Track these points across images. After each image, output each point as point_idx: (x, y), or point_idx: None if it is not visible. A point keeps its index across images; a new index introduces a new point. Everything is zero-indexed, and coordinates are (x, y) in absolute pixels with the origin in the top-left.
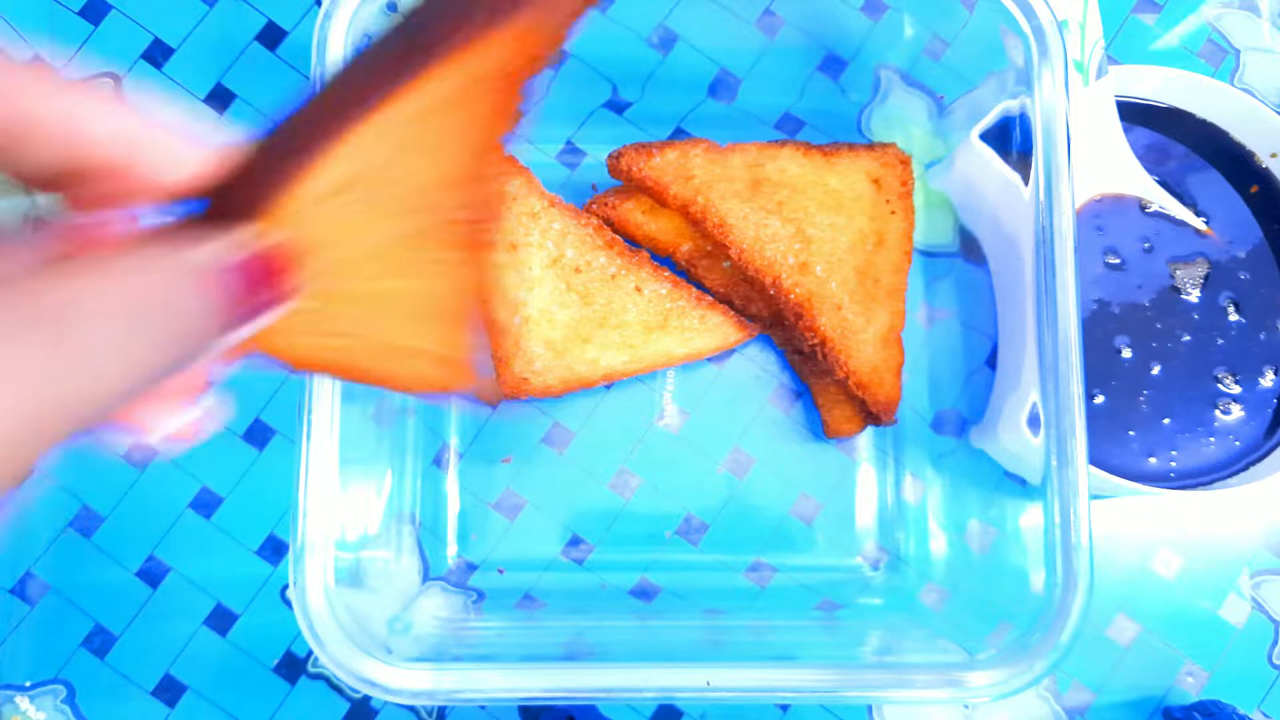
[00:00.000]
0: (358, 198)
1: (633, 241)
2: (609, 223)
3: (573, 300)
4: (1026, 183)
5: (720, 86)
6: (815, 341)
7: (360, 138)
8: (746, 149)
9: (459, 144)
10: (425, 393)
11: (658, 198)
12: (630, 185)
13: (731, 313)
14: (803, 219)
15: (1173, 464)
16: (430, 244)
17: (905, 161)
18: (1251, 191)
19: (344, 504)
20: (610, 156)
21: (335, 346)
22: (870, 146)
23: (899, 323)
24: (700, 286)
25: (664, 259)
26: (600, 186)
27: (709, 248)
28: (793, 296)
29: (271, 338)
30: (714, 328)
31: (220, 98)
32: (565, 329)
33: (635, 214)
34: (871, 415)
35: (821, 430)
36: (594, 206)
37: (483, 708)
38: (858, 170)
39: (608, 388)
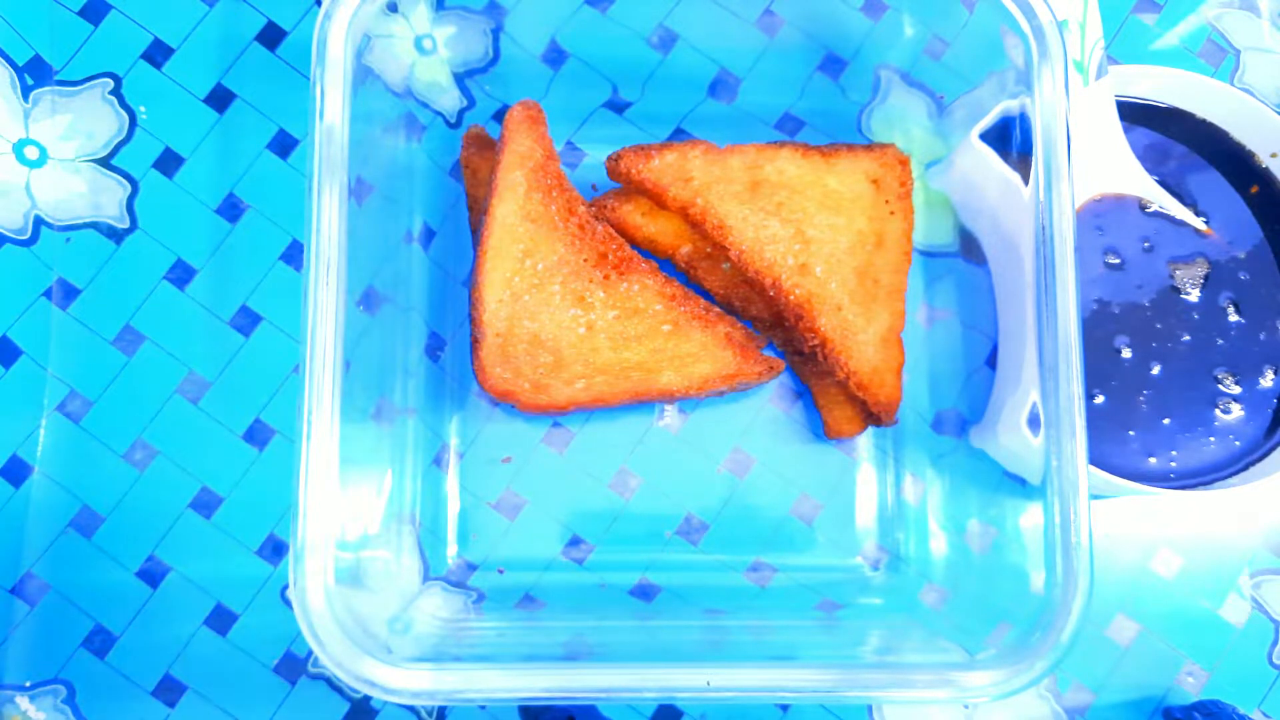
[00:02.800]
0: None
1: (632, 244)
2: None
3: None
4: (1026, 183)
5: (720, 86)
6: (815, 342)
7: None
8: (745, 150)
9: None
10: (722, 386)
11: (657, 200)
12: (630, 187)
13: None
14: (802, 220)
15: (1173, 464)
16: (594, 285)
17: (904, 162)
18: (1251, 191)
19: (344, 504)
20: (609, 159)
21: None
22: (869, 147)
23: (899, 323)
24: (700, 289)
25: (664, 261)
26: (600, 187)
27: (709, 250)
28: (792, 298)
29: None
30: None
31: (220, 98)
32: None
33: (635, 216)
34: (872, 416)
35: (822, 430)
36: (593, 209)
37: (483, 708)
38: (857, 171)
39: None
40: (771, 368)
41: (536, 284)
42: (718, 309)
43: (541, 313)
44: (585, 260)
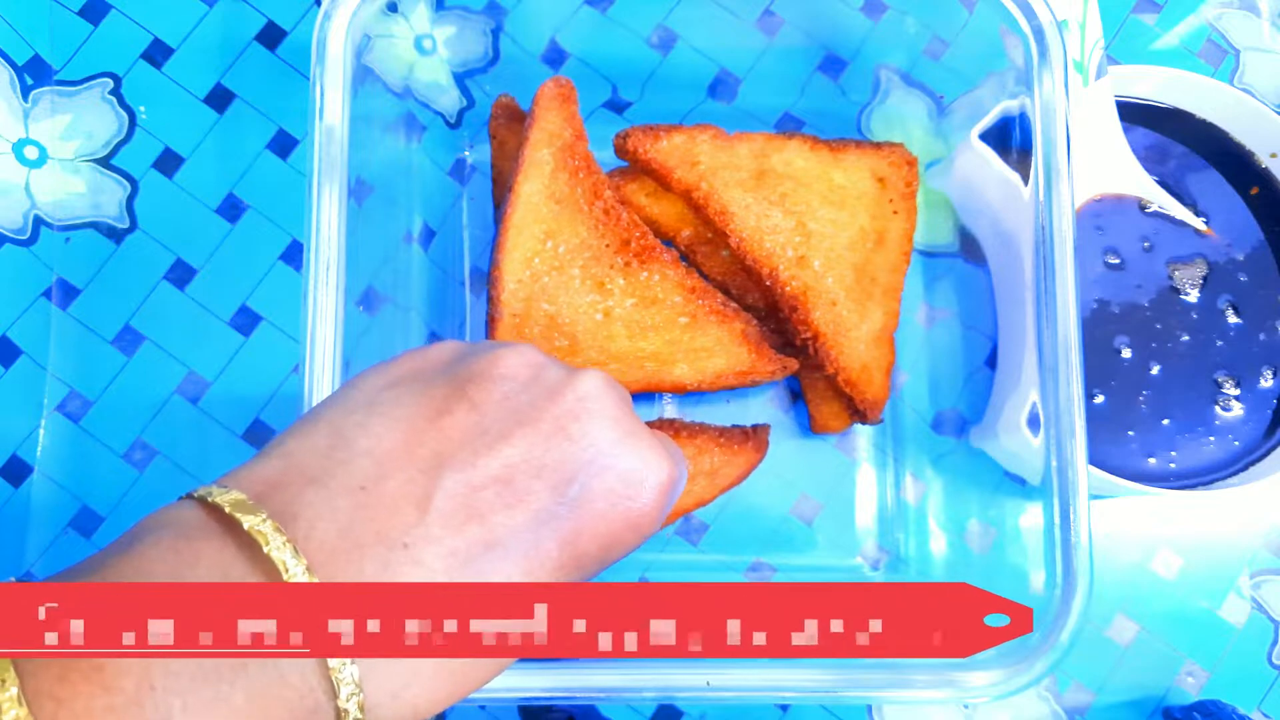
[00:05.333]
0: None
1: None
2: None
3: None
4: (1026, 183)
5: (720, 86)
6: (808, 335)
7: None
8: (754, 138)
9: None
10: (734, 382)
11: (662, 181)
12: (636, 167)
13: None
14: (804, 212)
15: (1173, 464)
16: (614, 271)
17: (911, 162)
18: (1252, 192)
19: None
20: (617, 136)
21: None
22: (878, 145)
23: (892, 323)
24: (699, 273)
25: (665, 242)
26: None
27: (710, 235)
28: (789, 289)
29: None
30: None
31: (220, 98)
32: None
33: (639, 196)
34: (858, 413)
35: None
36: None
37: (483, 708)
38: (863, 168)
39: None
40: (785, 366)
41: (557, 266)
42: (735, 305)
43: (560, 296)
44: (607, 246)
